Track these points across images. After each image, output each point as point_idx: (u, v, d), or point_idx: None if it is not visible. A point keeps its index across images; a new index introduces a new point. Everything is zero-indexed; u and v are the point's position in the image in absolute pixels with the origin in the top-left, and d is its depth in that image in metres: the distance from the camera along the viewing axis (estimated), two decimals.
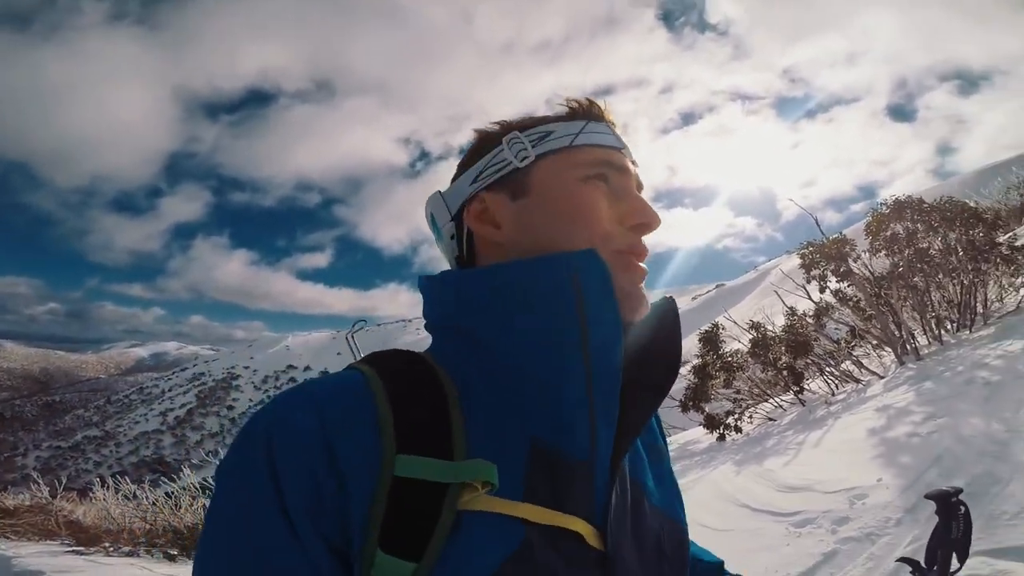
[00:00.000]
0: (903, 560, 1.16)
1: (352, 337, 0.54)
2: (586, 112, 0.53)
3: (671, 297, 0.54)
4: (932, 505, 1.04)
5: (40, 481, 5.53)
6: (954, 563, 1.09)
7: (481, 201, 0.51)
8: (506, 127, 0.53)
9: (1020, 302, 5.75)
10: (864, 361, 7.02)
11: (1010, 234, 7.40)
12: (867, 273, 7.46)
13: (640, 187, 0.54)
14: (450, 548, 0.37)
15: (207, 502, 3.97)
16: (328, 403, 0.40)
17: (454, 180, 0.54)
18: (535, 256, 0.45)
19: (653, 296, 0.52)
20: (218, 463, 0.42)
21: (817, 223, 8.20)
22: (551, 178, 0.50)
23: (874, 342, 7.41)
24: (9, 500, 5.41)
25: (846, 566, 2.40)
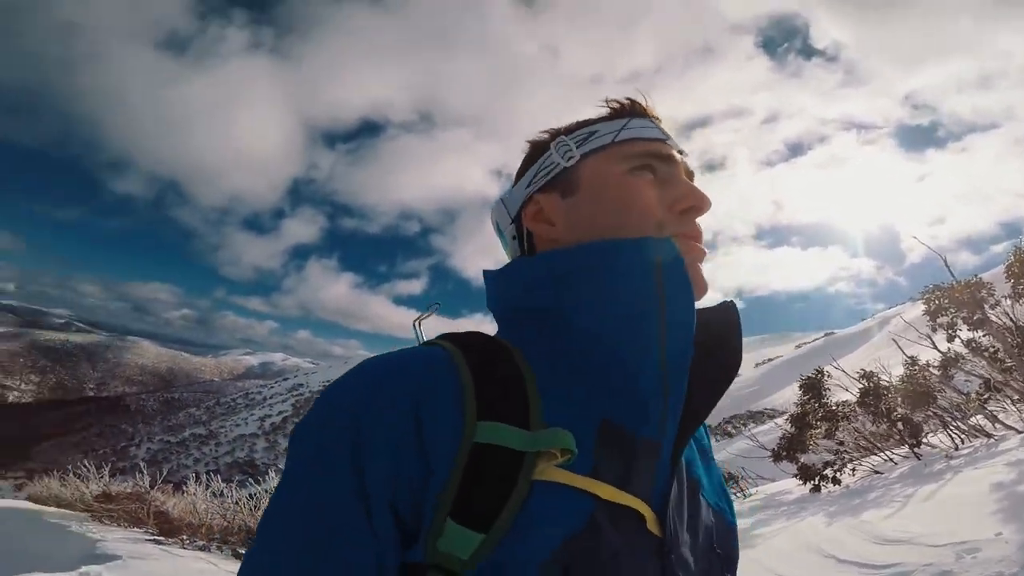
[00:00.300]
0: None
1: (419, 323, 0.55)
2: (629, 110, 0.56)
3: (732, 300, 0.56)
4: None
5: (145, 472, 6.17)
6: None
7: (536, 203, 0.55)
8: (554, 133, 0.56)
9: None
10: (1001, 416, 5.95)
11: None
12: (1008, 321, 6.43)
13: (691, 175, 0.55)
14: (521, 518, 0.37)
15: None
16: (418, 370, 0.41)
17: (513, 187, 0.59)
18: (616, 239, 0.46)
19: (714, 299, 0.54)
20: (296, 424, 0.41)
21: (946, 263, 7.22)
22: (597, 173, 0.52)
23: (1015, 396, 6.29)
24: (114, 487, 6.14)
25: None
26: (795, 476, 7.81)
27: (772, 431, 13.79)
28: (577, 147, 0.53)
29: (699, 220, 0.52)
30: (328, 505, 0.37)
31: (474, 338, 0.46)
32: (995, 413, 6.00)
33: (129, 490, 6.11)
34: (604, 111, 0.56)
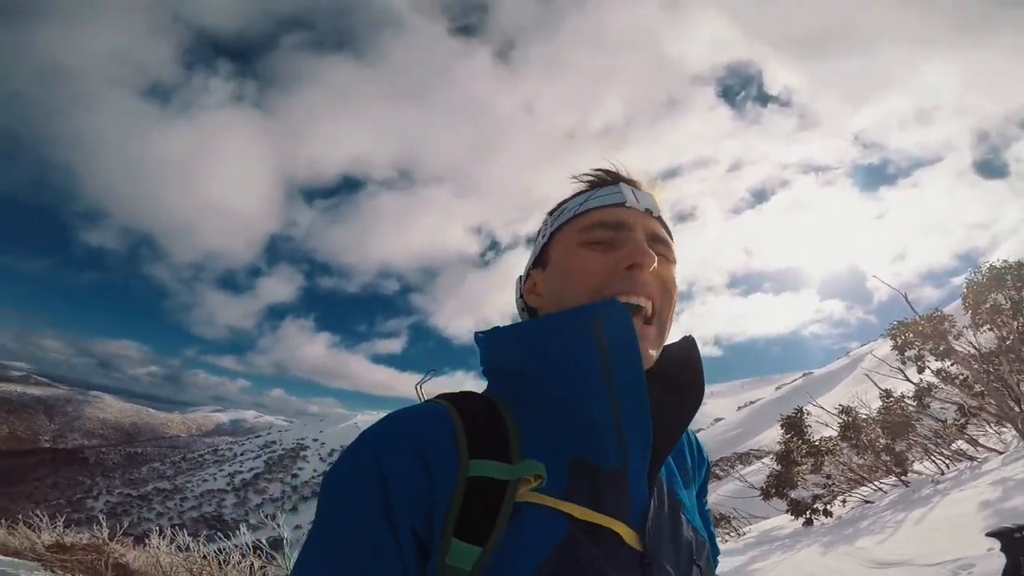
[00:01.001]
0: None
1: (420, 387, 0.65)
2: (599, 180, 0.64)
3: (691, 336, 0.65)
4: None
5: (103, 523, 5.81)
6: None
7: (530, 277, 0.65)
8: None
9: None
10: (981, 439, 6.07)
11: None
12: (972, 349, 6.70)
13: (654, 235, 0.61)
14: (509, 533, 0.46)
15: (255, 562, 4.06)
16: (421, 422, 0.52)
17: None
18: (560, 312, 0.56)
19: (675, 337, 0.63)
20: (326, 472, 0.52)
21: (907, 300, 7.61)
22: (559, 248, 0.62)
23: (992, 420, 6.45)
24: (69, 537, 5.71)
25: None
26: (786, 512, 7.72)
27: (760, 471, 13.71)
28: (551, 224, 0.63)
29: (676, 272, 0.61)
30: (364, 529, 0.46)
31: (465, 395, 0.57)
32: (975, 437, 6.11)
33: (86, 541, 5.68)
34: (585, 183, 0.65)
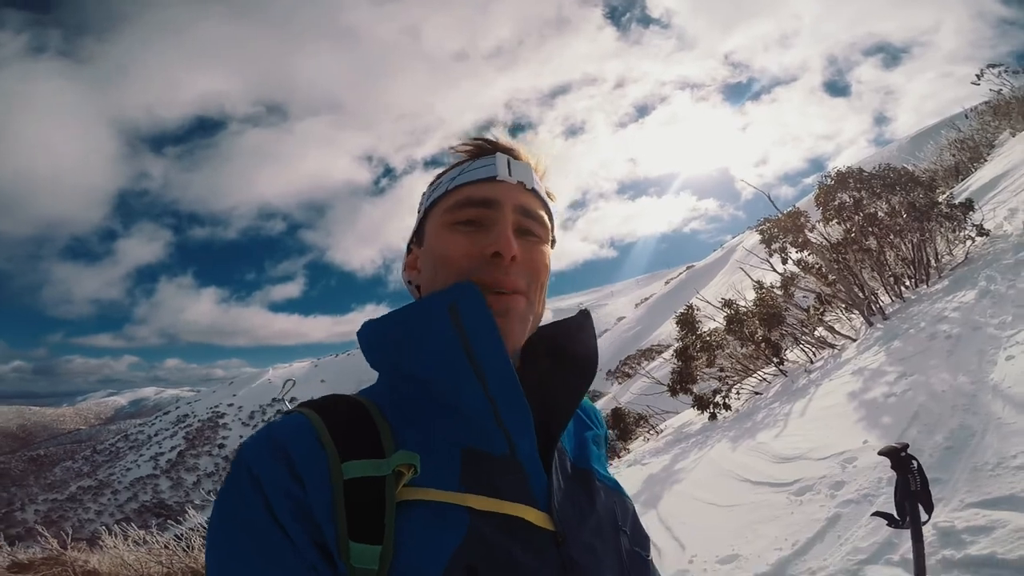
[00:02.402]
0: (878, 514, 1.30)
1: (285, 399, 0.65)
2: (477, 150, 0.62)
3: (586, 309, 0.65)
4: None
5: (46, 533, 5.43)
6: (923, 514, 1.21)
7: (412, 252, 0.64)
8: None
9: (967, 253, 6.16)
10: (836, 326, 7.36)
11: (947, 193, 7.91)
12: (824, 241, 7.86)
13: (525, 210, 0.59)
14: (406, 531, 0.46)
15: None
16: (282, 432, 0.51)
17: None
18: (421, 300, 0.55)
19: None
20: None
21: (771, 200, 8.62)
22: (430, 227, 0.60)
23: (842, 306, 7.80)
24: (21, 553, 5.29)
25: (850, 528, 2.56)
26: (692, 407, 8.94)
27: (663, 366, 15.44)
28: (426, 200, 0.62)
29: (547, 250, 0.61)
30: (255, 529, 0.46)
31: (328, 400, 0.56)
32: (831, 324, 7.39)
33: (41, 555, 5.29)
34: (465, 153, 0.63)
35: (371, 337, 0.57)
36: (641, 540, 0.65)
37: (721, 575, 2.83)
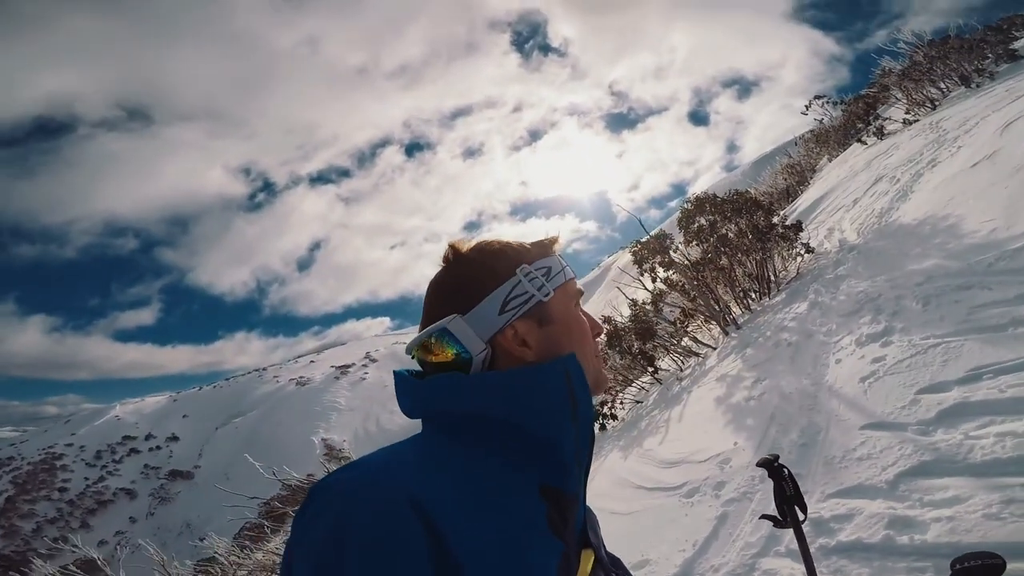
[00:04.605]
0: (765, 517, 1.48)
1: None
2: (552, 246, 0.74)
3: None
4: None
5: None
6: (800, 514, 1.41)
7: (514, 329, 0.65)
8: (497, 252, 0.68)
9: (799, 269, 7.37)
10: (699, 336, 8.29)
11: (781, 215, 9.44)
12: (685, 260, 8.88)
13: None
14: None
15: None
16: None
17: (477, 308, 0.64)
18: (545, 362, 0.63)
19: None
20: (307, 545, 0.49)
21: (641, 224, 9.58)
22: (563, 308, 0.69)
23: (702, 318, 8.83)
24: None
25: (739, 525, 2.82)
26: None
27: None
28: (548, 282, 0.68)
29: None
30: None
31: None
32: (695, 335, 8.31)
33: None
34: (537, 238, 0.74)
35: (479, 389, 0.61)
36: (619, 563, 0.80)
37: None
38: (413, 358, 0.68)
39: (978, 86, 10.71)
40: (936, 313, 3.43)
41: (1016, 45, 11.72)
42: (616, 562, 0.77)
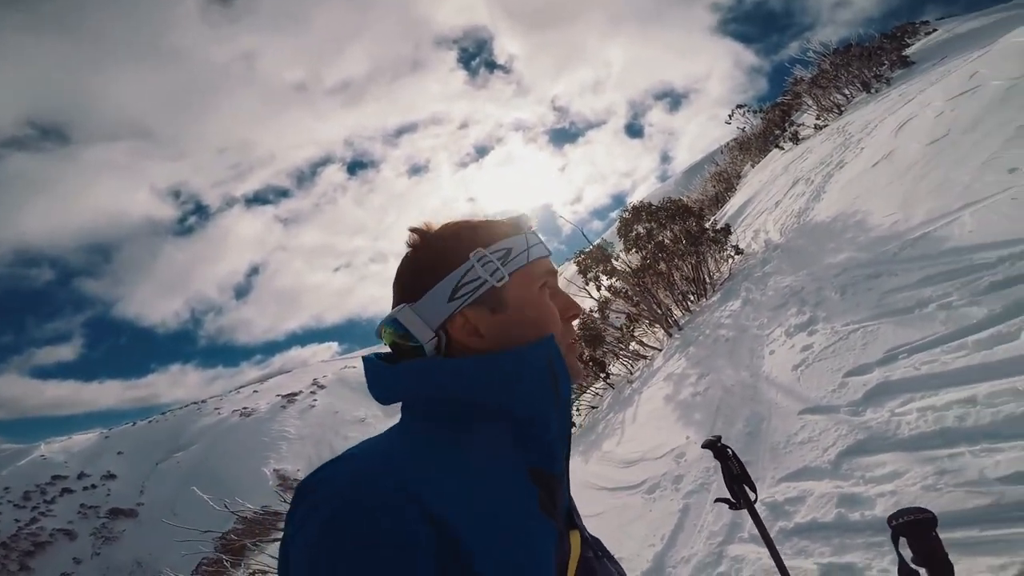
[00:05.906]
0: (719, 500, 1.54)
1: None
2: (521, 225, 0.69)
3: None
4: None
5: None
6: (750, 494, 1.47)
7: (464, 316, 0.62)
8: (453, 235, 0.65)
9: (731, 269, 7.84)
10: (644, 340, 8.61)
11: (712, 220, 10.04)
12: (627, 268, 9.23)
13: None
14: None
15: None
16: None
17: (417, 290, 0.63)
18: (522, 346, 0.61)
19: None
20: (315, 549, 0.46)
21: (584, 235, 9.86)
22: (521, 292, 0.64)
23: (647, 322, 9.19)
24: None
25: (700, 515, 2.92)
26: None
27: None
28: (503, 265, 0.63)
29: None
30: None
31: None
32: (641, 339, 8.62)
33: None
34: (501, 218, 0.69)
35: (459, 373, 0.60)
36: (599, 543, 0.82)
37: None
38: (384, 343, 0.66)
39: (877, 91, 11.99)
40: (853, 301, 3.77)
41: (908, 52, 13.26)
42: (597, 542, 0.78)
